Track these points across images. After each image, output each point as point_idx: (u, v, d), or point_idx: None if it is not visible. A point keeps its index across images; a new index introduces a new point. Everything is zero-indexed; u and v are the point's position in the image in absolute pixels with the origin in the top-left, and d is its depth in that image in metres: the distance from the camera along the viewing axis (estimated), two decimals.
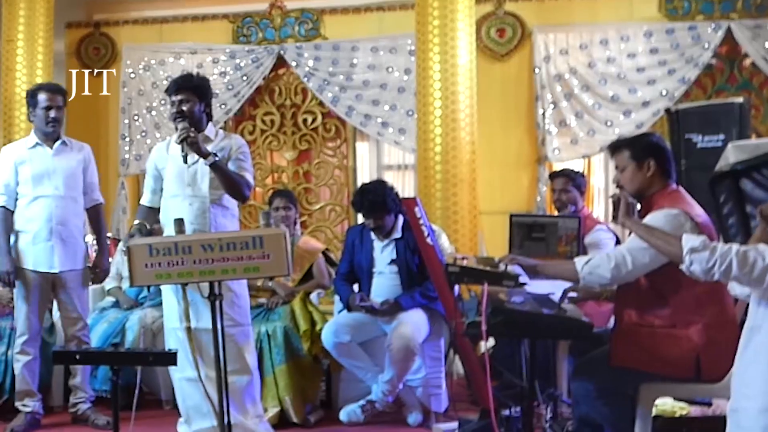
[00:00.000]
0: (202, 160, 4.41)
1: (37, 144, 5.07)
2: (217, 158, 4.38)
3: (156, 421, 5.16)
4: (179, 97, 4.49)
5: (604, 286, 3.82)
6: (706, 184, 4.76)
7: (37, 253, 4.97)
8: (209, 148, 4.44)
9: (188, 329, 4.20)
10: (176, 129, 4.41)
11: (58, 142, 5.09)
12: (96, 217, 5.29)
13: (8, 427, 4.90)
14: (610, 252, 3.78)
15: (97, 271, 5.25)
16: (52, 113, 5.00)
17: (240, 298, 4.58)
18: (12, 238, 5.03)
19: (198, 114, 4.52)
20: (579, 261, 3.74)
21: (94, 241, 5.55)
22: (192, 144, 4.31)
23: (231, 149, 4.57)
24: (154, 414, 5.39)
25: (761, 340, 2.81)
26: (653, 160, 3.79)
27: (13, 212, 5.01)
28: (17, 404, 5.04)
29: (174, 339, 4.49)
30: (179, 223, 4.15)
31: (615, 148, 3.94)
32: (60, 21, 8.70)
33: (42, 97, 5.02)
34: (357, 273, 5.48)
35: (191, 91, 4.52)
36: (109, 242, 6.51)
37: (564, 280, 3.98)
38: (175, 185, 4.55)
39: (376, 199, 5.24)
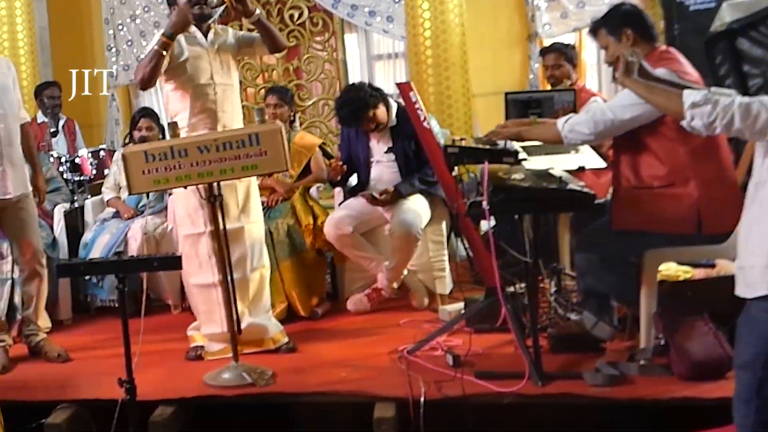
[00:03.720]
0: (225, 39, 4.45)
1: None
2: (259, 12, 4.34)
3: (165, 326, 5.19)
4: None
5: (586, 143, 3.86)
6: (701, 47, 4.71)
7: None
8: (220, 41, 4.46)
9: (212, 232, 4.22)
10: (203, 14, 4.30)
11: None
12: (27, 136, 4.79)
13: None
14: (591, 109, 3.80)
15: (35, 193, 4.82)
16: None
17: (256, 193, 4.63)
18: None
19: (210, 4, 4.42)
20: (560, 121, 3.78)
21: None
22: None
23: (231, 35, 4.55)
24: (163, 319, 5.44)
25: (766, 194, 2.80)
26: (629, 29, 3.82)
27: None
28: None
29: (190, 244, 4.46)
30: (173, 127, 4.12)
31: (593, 31, 4.00)
32: None
33: None
34: (355, 164, 5.46)
35: None
36: (104, 154, 6.54)
37: (547, 142, 4.00)
38: (202, 73, 4.39)
39: (356, 106, 5.17)
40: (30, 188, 4.73)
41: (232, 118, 4.48)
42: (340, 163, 5.35)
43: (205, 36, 4.44)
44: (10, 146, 4.55)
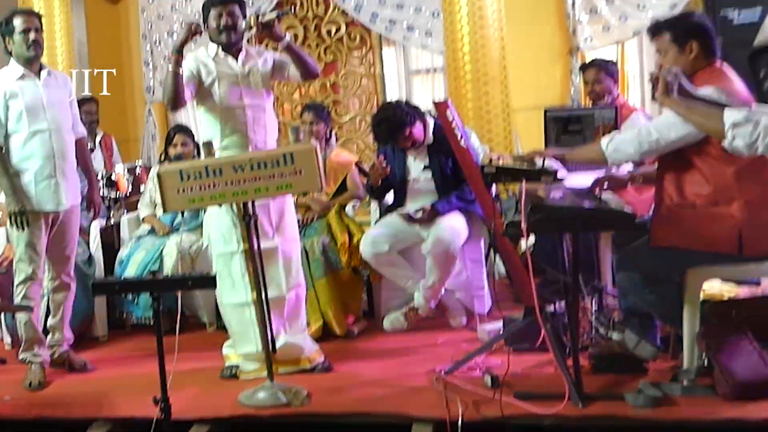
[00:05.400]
0: (257, 62, 4.44)
1: (24, 75, 4.58)
2: (289, 39, 4.35)
3: (200, 344, 5.16)
4: (228, 9, 4.35)
5: (630, 162, 3.78)
6: (745, 62, 4.61)
7: (41, 192, 4.55)
8: (251, 64, 4.44)
9: (245, 251, 4.20)
10: (230, 41, 4.36)
11: (44, 72, 4.65)
12: (83, 150, 4.92)
13: (26, 384, 4.53)
14: (636, 128, 3.73)
15: (90, 207, 4.97)
16: (32, 35, 4.54)
17: (291, 212, 4.61)
18: None
19: (240, 29, 4.42)
20: (603, 141, 3.72)
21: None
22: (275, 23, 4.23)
23: (267, 57, 4.53)
24: (199, 337, 5.42)
25: None
26: (696, 42, 3.68)
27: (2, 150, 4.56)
28: (25, 355, 4.67)
29: (223, 262, 4.45)
30: (208, 146, 4.12)
31: (655, 30, 3.82)
32: None
33: (17, 21, 4.56)
34: (392, 182, 5.40)
35: (238, 5, 4.40)
36: (140, 170, 6.57)
37: (592, 164, 3.93)
38: (232, 96, 4.39)
39: (393, 124, 5.10)
40: (79, 200, 4.82)
41: (265, 139, 4.47)
42: (384, 163, 5.24)
43: (236, 58, 4.43)
44: (63, 159, 4.64)
